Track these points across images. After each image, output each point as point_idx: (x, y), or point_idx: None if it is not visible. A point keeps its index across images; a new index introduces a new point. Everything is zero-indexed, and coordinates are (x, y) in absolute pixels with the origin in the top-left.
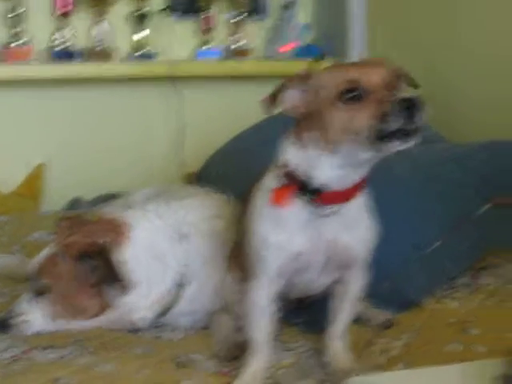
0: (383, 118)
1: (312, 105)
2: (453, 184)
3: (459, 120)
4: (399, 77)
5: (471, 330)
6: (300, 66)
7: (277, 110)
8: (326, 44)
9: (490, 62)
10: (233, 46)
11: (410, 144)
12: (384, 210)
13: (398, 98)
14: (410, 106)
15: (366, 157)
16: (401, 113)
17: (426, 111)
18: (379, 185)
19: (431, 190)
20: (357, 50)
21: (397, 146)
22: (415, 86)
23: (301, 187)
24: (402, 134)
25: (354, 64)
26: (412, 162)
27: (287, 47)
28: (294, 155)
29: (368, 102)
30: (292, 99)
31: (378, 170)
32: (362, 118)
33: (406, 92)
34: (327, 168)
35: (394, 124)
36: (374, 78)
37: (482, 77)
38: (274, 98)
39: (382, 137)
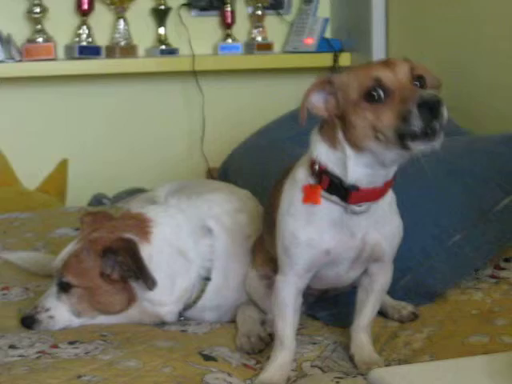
0: (405, 118)
1: (337, 106)
2: (475, 177)
3: (482, 113)
4: (421, 76)
5: (497, 321)
6: (320, 60)
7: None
8: (346, 38)
9: None
10: (254, 41)
11: (433, 146)
12: (406, 203)
13: (419, 100)
14: (431, 108)
15: (392, 156)
16: (422, 114)
17: (446, 112)
18: (402, 177)
19: (453, 183)
20: (377, 44)
21: (420, 146)
22: (438, 85)
23: (331, 186)
24: (425, 135)
25: (377, 63)
26: (434, 154)
27: (309, 41)
28: (323, 153)
29: (391, 101)
30: (318, 103)
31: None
32: (386, 117)
33: (428, 92)
34: (356, 167)
35: (416, 125)
36: (396, 76)
37: (505, 69)
38: (302, 109)
39: (404, 137)
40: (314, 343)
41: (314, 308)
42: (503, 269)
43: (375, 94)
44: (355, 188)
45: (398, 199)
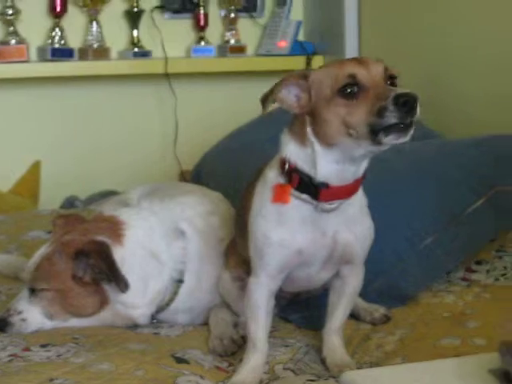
0: (380, 113)
1: (310, 102)
2: (446, 180)
3: (453, 117)
4: (394, 76)
5: (468, 324)
6: (293, 63)
7: (271, 107)
8: (319, 41)
9: (484, 59)
10: (227, 44)
11: (405, 138)
12: (379, 205)
13: (394, 94)
14: (406, 102)
15: (361, 152)
16: (397, 108)
17: (419, 107)
18: (374, 180)
19: (425, 186)
20: (350, 47)
21: (392, 139)
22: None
23: (301, 184)
24: (398, 128)
25: (351, 60)
26: (406, 158)
27: (282, 43)
28: (293, 152)
29: (365, 97)
30: (290, 97)
31: (374, 165)
32: (359, 113)
33: (403, 90)
34: (325, 163)
35: (391, 119)
36: (371, 73)
37: (475, 74)
38: (270, 95)
39: (377, 132)
40: (287, 346)
41: (286, 311)
42: (475, 271)
43: (350, 90)
44: (325, 185)
45: (370, 201)
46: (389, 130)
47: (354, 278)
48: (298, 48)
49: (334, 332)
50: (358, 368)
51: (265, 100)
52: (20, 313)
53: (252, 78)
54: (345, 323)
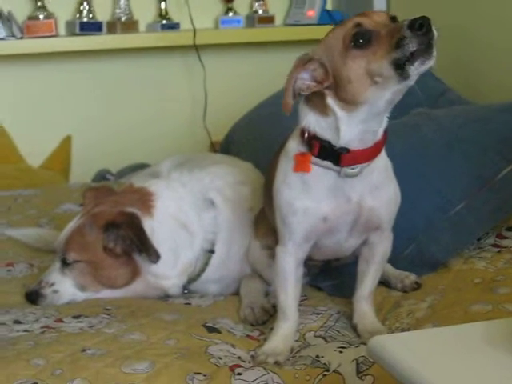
0: (399, 44)
1: (328, 73)
2: (476, 146)
3: (484, 82)
4: (395, 17)
5: (499, 290)
6: (322, 32)
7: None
8: (347, 10)
9: None
10: (255, 14)
11: (431, 61)
12: (408, 173)
13: (407, 22)
14: (421, 25)
15: (390, 96)
16: (414, 33)
17: (435, 30)
18: (404, 147)
19: (454, 153)
20: None
21: (419, 66)
22: None
23: (322, 151)
24: (421, 52)
25: (349, 17)
26: (436, 124)
27: (310, 13)
28: (312, 121)
29: (379, 39)
30: (306, 82)
31: (403, 132)
32: (380, 55)
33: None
34: (348, 127)
35: (412, 45)
36: (375, 18)
37: (507, 38)
38: (288, 95)
39: (402, 65)
40: (318, 313)
41: (317, 279)
42: (506, 238)
43: (361, 39)
44: (346, 150)
45: (399, 169)
46: (413, 57)
47: (382, 245)
48: (326, 17)
49: (365, 299)
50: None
51: (286, 105)
52: (52, 285)
53: (280, 48)
54: (375, 290)
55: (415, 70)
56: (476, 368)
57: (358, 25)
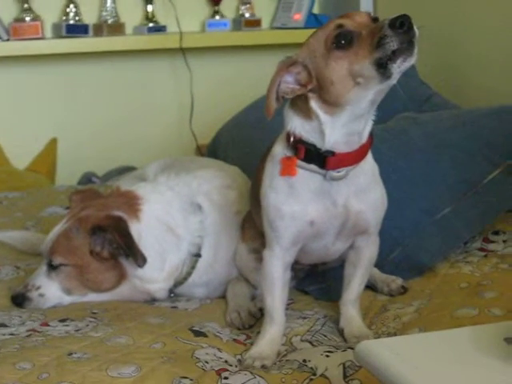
0: (380, 43)
1: (311, 76)
2: (463, 150)
3: (470, 86)
4: (377, 18)
5: (485, 294)
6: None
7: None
8: (334, 14)
9: (503, 27)
10: (242, 17)
11: (412, 58)
12: (395, 176)
13: (388, 21)
14: (401, 23)
15: (371, 96)
16: (395, 32)
17: (416, 28)
18: (390, 151)
19: (441, 157)
20: None
21: (401, 64)
22: None
23: (308, 154)
24: (402, 50)
25: (331, 20)
26: (422, 128)
27: (297, 16)
28: (297, 125)
29: (360, 40)
30: (290, 85)
31: (390, 136)
32: (362, 54)
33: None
34: (333, 130)
35: (393, 44)
36: (357, 19)
37: (492, 43)
38: (271, 99)
39: (384, 64)
40: (304, 317)
41: (303, 283)
42: (492, 242)
43: (343, 40)
44: (331, 153)
45: (386, 173)
46: (395, 56)
47: (368, 249)
48: (313, 21)
49: (351, 303)
50: (376, 338)
51: (268, 109)
52: (38, 288)
53: (267, 52)
54: (362, 294)
55: (397, 67)
56: (464, 373)
57: (340, 26)
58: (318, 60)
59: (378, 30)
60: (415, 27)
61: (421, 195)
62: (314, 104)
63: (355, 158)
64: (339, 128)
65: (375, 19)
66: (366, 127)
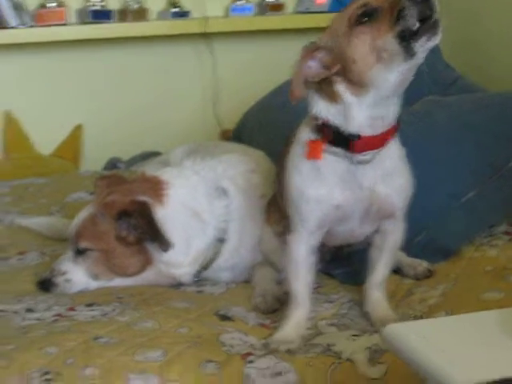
0: (400, 15)
1: (334, 59)
2: (488, 133)
3: (498, 68)
4: None
5: (511, 277)
6: None
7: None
8: None
9: None
10: (266, 1)
11: (437, 36)
12: (420, 160)
13: None
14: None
15: (396, 78)
16: (414, 3)
17: (437, 4)
18: (415, 134)
19: (466, 140)
20: None
21: (424, 42)
22: None
23: (334, 138)
24: (425, 29)
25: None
26: (448, 110)
27: (321, 0)
28: (323, 108)
29: (383, 14)
30: (314, 69)
31: (415, 119)
32: (384, 29)
33: None
34: (359, 112)
35: (413, 17)
36: None
37: None
38: (296, 84)
39: (407, 39)
40: (330, 301)
41: (329, 266)
42: None
43: (366, 16)
44: (357, 137)
45: (411, 156)
46: (418, 33)
47: (394, 234)
48: (336, 4)
49: (377, 287)
50: (401, 321)
51: (293, 94)
52: (64, 273)
53: (291, 36)
54: (387, 278)
55: (420, 46)
56: (490, 356)
57: (365, 4)
58: (341, 39)
59: (397, 2)
60: (436, 1)
61: (446, 178)
62: (339, 86)
63: (381, 141)
64: (364, 110)
65: None
66: (392, 112)
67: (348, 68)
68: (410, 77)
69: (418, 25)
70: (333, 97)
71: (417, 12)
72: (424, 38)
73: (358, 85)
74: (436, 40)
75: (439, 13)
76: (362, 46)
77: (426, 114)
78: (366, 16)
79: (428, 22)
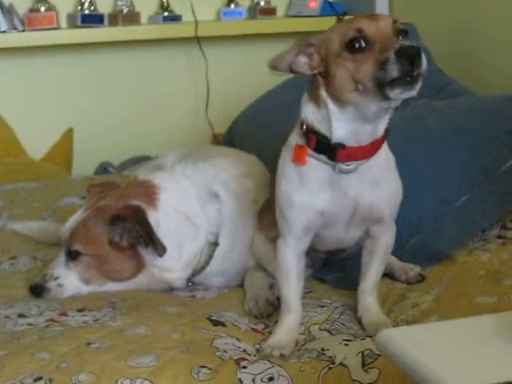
0: (383, 65)
1: (321, 62)
2: (480, 137)
3: (488, 72)
4: (405, 30)
5: (504, 281)
6: (324, 24)
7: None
8: (349, 1)
9: None
10: (257, 6)
11: (412, 92)
12: (412, 164)
13: (398, 46)
14: (409, 56)
15: (373, 108)
16: (400, 60)
17: (424, 60)
18: (407, 138)
19: (458, 143)
20: (380, 5)
21: (399, 93)
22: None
23: (319, 144)
24: (403, 82)
25: (361, 16)
26: (440, 115)
27: (312, 4)
28: (310, 113)
29: (371, 51)
30: (300, 61)
31: (407, 123)
32: (365, 66)
33: (407, 42)
34: (339, 123)
35: (394, 72)
36: (377, 28)
37: (510, 26)
38: (276, 62)
39: (383, 86)
40: (322, 306)
41: (321, 271)
42: (510, 229)
43: (357, 43)
44: (341, 146)
45: (403, 161)
46: (394, 83)
47: (384, 237)
48: (328, 8)
49: (369, 291)
50: (394, 326)
51: (272, 63)
52: (56, 278)
53: (283, 40)
54: (379, 282)
55: (395, 95)
56: (484, 360)
57: (360, 30)
58: (330, 53)
59: (387, 48)
60: (423, 60)
61: (438, 182)
62: (323, 90)
63: (367, 153)
64: (346, 123)
65: (401, 30)
66: (378, 126)
67: (329, 79)
68: (388, 111)
69: (396, 76)
70: (318, 100)
71: (400, 67)
72: (399, 90)
73: (336, 98)
74: (410, 94)
75: (423, 69)
76: (344, 71)
77: (417, 119)
78: (357, 43)
79: (408, 76)
